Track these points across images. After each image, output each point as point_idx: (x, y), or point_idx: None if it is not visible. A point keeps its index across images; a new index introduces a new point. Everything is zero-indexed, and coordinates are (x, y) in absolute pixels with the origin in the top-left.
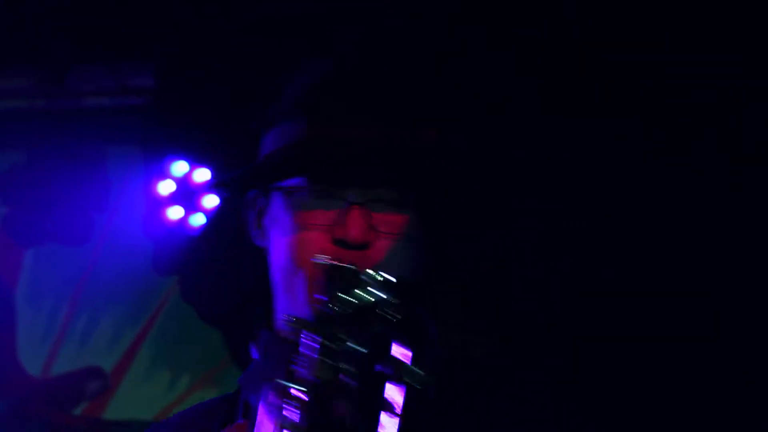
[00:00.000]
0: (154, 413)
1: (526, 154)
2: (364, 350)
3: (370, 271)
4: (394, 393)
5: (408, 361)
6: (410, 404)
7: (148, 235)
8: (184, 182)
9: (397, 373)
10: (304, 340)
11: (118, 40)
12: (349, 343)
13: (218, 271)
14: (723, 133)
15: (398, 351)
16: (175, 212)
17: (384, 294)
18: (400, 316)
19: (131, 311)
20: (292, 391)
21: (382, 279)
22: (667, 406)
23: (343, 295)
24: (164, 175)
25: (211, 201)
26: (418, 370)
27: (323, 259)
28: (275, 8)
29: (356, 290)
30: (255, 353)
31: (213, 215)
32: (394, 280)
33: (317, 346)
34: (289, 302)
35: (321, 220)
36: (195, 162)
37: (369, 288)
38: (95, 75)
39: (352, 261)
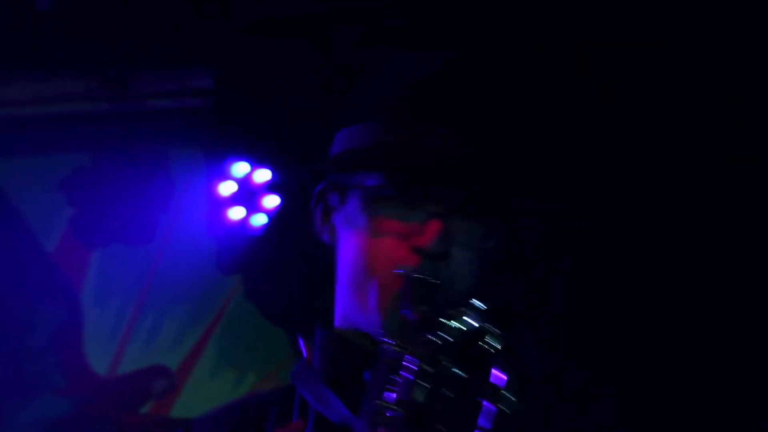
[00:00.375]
0: None
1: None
2: (463, 375)
3: (475, 302)
4: (487, 418)
5: (503, 386)
6: (500, 429)
7: (211, 235)
8: (245, 183)
9: (493, 398)
10: (396, 355)
11: (179, 43)
12: (451, 369)
13: (280, 269)
14: (723, 133)
15: (496, 376)
16: (236, 212)
17: (483, 322)
18: (501, 346)
19: (196, 311)
20: (388, 411)
21: (482, 307)
22: (668, 406)
23: (446, 321)
24: (225, 176)
25: (272, 201)
26: (512, 397)
27: (406, 269)
28: (334, 8)
29: (437, 302)
30: (303, 349)
31: (274, 215)
32: (487, 307)
33: (414, 368)
34: (356, 306)
35: (400, 227)
36: (255, 163)
37: (469, 313)
38: (157, 78)
39: (430, 271)
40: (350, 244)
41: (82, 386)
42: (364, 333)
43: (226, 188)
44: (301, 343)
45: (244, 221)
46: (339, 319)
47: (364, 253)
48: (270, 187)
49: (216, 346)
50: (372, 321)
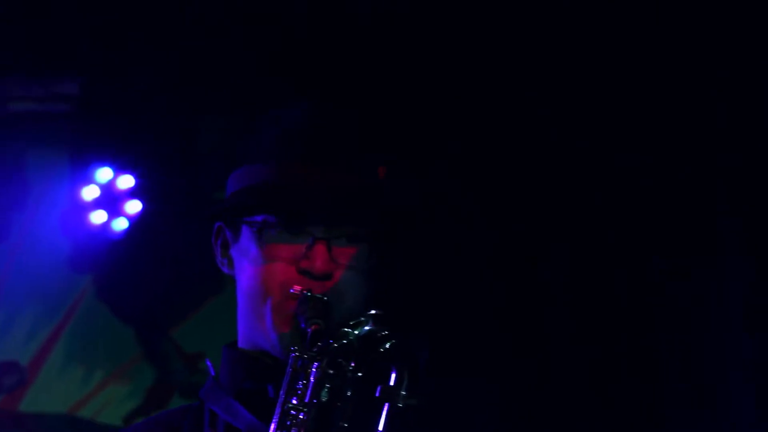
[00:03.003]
0: (67, 406)
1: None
2: (363, 376)
3: (372, 311)
4: (385, 414)
5: (398, 384)
6: (394, 426)
7: (67, 235)
8: (108, 188)
9: (389, 396)
10: (299, 363)
11: (45, 47)
12: (351, 371)
13: (132, 272)
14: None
15: (391, 376)
16: (98, 217)
17: (375, 326)
18: (395, 349)
19: (48, 308)
20: (292, 410)
21: (373, 314)
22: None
23: (345, 329)
24: (88, 180)
25: (133, 207)
26: (406, 394)
27: (296, 290)
28: (202, 17)
29: (329, 318)
30: (211, 369)
31: (135, 220)
32: (377, 312)
33: (315, 371)
34: (256, 327)
35: (288, 253)
36: (119, 169)
37: (366, 320)
38: (22, 81)
39: (316, 289)
40: (246, 272)
41: None
42: (265, 351)
43: (89, 193)
44: (209, 363)
45: (105, 225)
46: (242, 340)
47: (258, 279)
48: (132, 193)
49: (66, 343)
50: (270, 339)
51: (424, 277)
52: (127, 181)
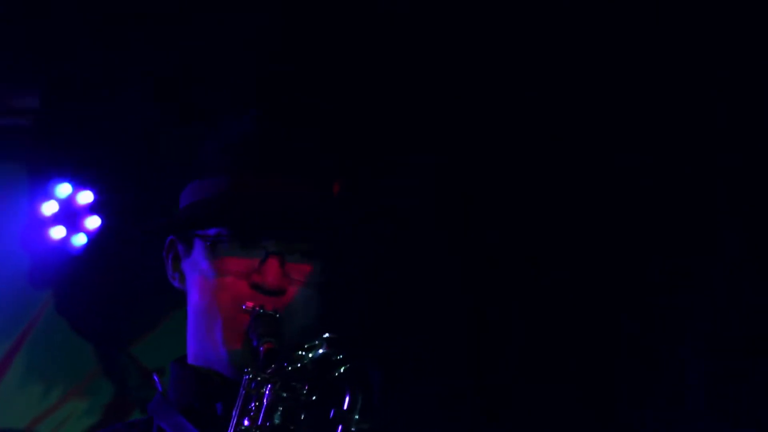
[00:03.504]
0: (26, 422)
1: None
2: (316, 400)
3: (326, 334)
4: None
5: (351, 409)
6: None
7: (26, 250)
8: (67, 203)
9: (343, 420)
10: (252, 385)
11: (3, 61)
12: (304, 394)
13: (92, 287)
14: None
15: (345, 400)
16: (57, 232)
17: (329, 349)
18: (349, 373)
19: (6, 323)
20: None
21: (327, 337)
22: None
23: (299, 352)
24: (48, 196)
25: (93, 222)
26: (359, 419)
27: (248, 306)
28: (161, 30)
29: (281, 335)
30: (158, 384)
31: (94, 235)
32: (332, 336)
33: (269, 394)
34: (206, 343)
35: (240, 267)
36: (78, 184)
37: (320, 344)
38: None
39: (269, 305)
40: (197, 286)
41: None
42: (215, 368)
43: (48, 208)
44: (156, 378)
45: (64, 241)
46: (192, 356)
47: (209, 293)
48: (92, 209)
49: (24, 359)
50: (221, 355)
51: (375, 292)
52: (86, 197)
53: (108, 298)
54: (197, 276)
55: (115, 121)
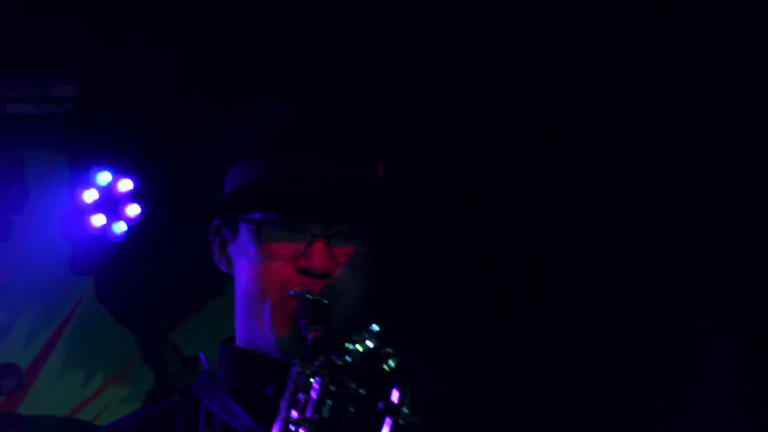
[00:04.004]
0: (67, 409)
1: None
2: (364, 393)
3: (373, 326)
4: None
5: (399, 402)
6: None
7: (66, 238)
8: (107, 191)
9: (391, 414)
10: (301, 378)
11: (43, 49)
12: (353, 387)
13: (132, 275)
14: None
15: (393, 393)
16: (98, 219)
17: (377, 342)
18: (397, 365)
19: (47, 311)
20: (294, 426)
21: (375, 330)
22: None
23: (348, 345)
24: (88, 183)
25: (133, 210)
26: (409, 413)
27: (296, 291)
28: (197, 18)
29: (329, 323)
30: (205, 363)
31: (134, 223)
32: (378, 329)
33: (318, 387)
34: (254, 327)
35: (286, 251)
36: (118, 172)
37: (367, 336)
38: (20, 83)
39: (315, 288)
40: (244, 271)
41: None
42: (263, 351)
43: (89, 196)
44: (202, 357)
45: (105, 228)
46: (239, 339)
47: (256, 277)
48: (132, 197)
49: (66, 345)
50: (269, 340)
51: (419, 276)
52: (126, 185)
53: (148, 285)
54: (244, 260)
55: (154, 108)
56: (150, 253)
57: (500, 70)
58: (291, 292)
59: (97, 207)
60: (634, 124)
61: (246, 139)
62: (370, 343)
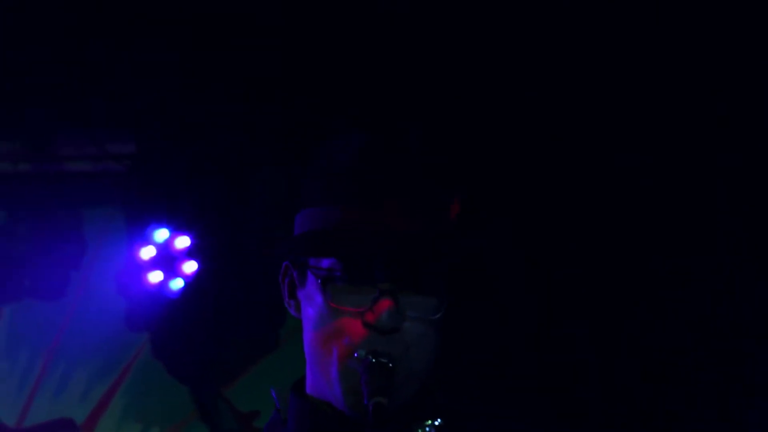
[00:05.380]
0: None
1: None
2: None
3: (436, 421)
4: None
5: None
6: None
7: (123, 294)
8: (165, 248)
9: None
10: None
11: (100, 107)
12: None
13: (187, 330)
14: None
15: None
16: (155, 276)
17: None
18: None
19: (103, 365)
20: None
21: (435, 424)
22: None
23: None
24: (146, 240)
25: (190, 266)
26: None
27: (359, 353)
28: (254, 78)
29: (393, 387)
30: (276, 401)
31: (191, 279)
32: (441, 423)
33: None
34: (321, 379)
35: (353, 305)
36: (175, 229)
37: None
38: (78, 140)
39: (381, 346)
40: (311, 322)
41: None
42: (332, 405)
43: (146, 253)
44: (274, 394)
45: (162, 285)
46: (309, 386)
47: (322, 330)
48: (189, 253)
49: (122, 400)
50: (336, 396)
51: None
52: (183, 242)
53: (203, 341)
54: (311, 310)
55: (211, 165)
56: (206, 309)
57: (500, 70)
58: (356, 355)
59: (154, 264)
60: (634, 124)
61: (309, 183)
62: None
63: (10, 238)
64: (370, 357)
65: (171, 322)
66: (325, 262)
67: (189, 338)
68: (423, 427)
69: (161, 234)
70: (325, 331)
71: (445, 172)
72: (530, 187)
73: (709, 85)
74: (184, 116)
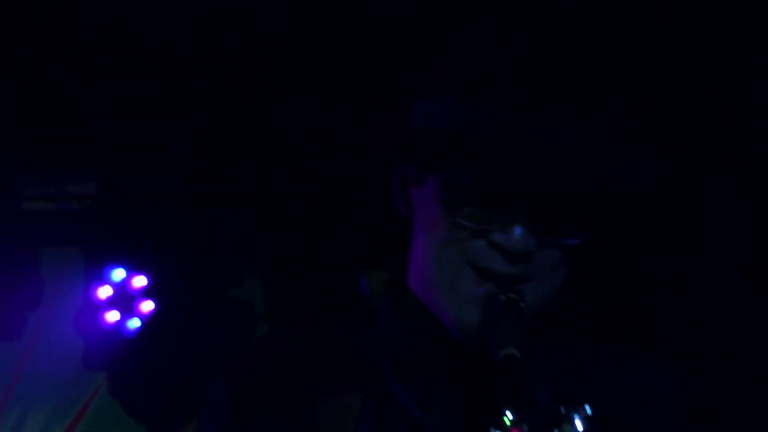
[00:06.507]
0: None
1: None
2: None
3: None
4: None
5: None
6: None
7: (80, 333)
8: (121, 287)
9: None
10: None
11: (59, 148)
12: None
13: (145, 370)
14: None
15: None
16: (111, 316)
17: (587, 425)
18: None
19: (60, 406)
20: None
21: (585, 413)
22: None
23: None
24: (103, 280)
25: (146, 306)
26: None
27: (487, 287)
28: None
29: (523, 333)
30: (365, 289)
31: (148, 319)
32: (591, 413)
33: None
34: (431, 291)
35: (480, 219)
36: (133, 269)
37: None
38: (36, 180)
39: (510, 274)
40: (424, 229)
41: None
42: (439, 318)
43: (103, 292)
44: (364, 282)
45: (119, 324)
46: (414, 285)
47: (440, 243)
48: (146, 293)
49: None
50: (446, 316)
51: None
52: (140, 281)
53: (160, 381)
54: (426, 217)
55: (169, 205)
56: (163, 349)
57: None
58: (482, 290)
59: (111, 303)
60: (634, 124)
61: (460, 73)
62: (580, 425)
63: None
64: (500, 294)
65: (128, 363)
66: (453, 170)
67: (146, 378)
68: (569, 418)
69: (118, 273)
70: (442, 244)
71: (609, 79)
72: None
73: (709, 84)
74: (143, 154)
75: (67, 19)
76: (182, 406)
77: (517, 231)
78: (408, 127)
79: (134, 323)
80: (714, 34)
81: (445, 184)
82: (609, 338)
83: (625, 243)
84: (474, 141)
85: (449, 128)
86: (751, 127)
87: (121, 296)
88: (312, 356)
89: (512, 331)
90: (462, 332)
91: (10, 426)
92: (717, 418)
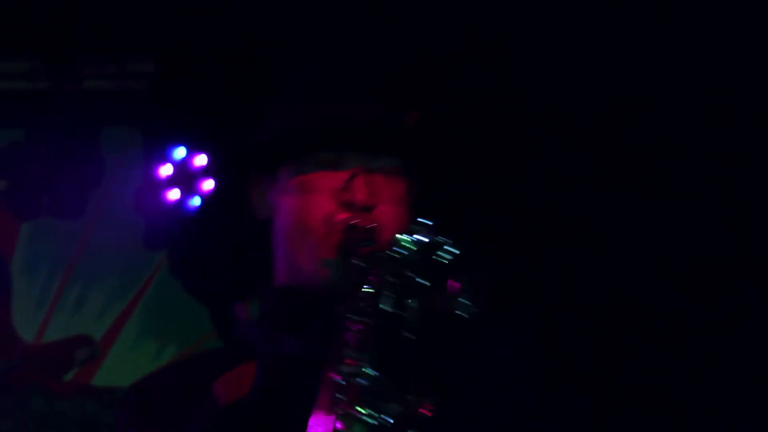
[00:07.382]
0: None
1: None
2: (425, 284)
3: (423, 220)
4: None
5: (459, 292)
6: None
7: (141, 212)
8: (182, 166)
9: (452, 305)
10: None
11: (120, 26)
12: (413, 279)
13: (205, 248)
14: None
15: (451, 284)
16: (173, 194)
17: (430, 235)
18: (452, 253)
19: (121, 283)
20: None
21: (425, 222)
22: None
23: (401, 236)
24: (164, 159)
25: (207, 185)
26: (468, 302)
27: (340, 219)
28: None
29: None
30: (240, 311)
31: (207, 197)
32: (431, 222)
33: (377, 279)
34: (296, 262)
35: (328, 185)
36: (193, 147)
37: (419, 230)
38: (97, 59)
39: (361, 222)
40: (285, 207)
41: (9, 352)
42: (307, 284)
43: (164, 171)
44: (239, 307)
45: (180, 202)
46: (280, 278)
47: (299, 213)
48: (206, 171)
49: (139, 317)
50: (314, 269)
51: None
52: (201, 160)
53: (221, 259)
54: (286, 198)
55: (229, 84)
56: (223, 227)
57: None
58: (336, 222)
59: (172, 182)
60: (633, 124)
61: (285, 93)
62: (423, 237)
63: (29, 156)
64: (350, 221)
65: (189, 241)
66: (301, 145)
67: (207, 256)
68: (413, 232)
69: (179, 152)
70: (302, 213)
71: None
72: (529, 183)
73: (709, 85)
74: (202, 34)
75: None
76: (243, 285)
77: (358, 188)
78: (272, 128)
79: (195, 201)
80: (714, 34)
81: (298, 160)
82: (609, 338)
83: (624, 243)
84: (314, 125)
85: (297, 121)
86: (751, 127)
87: (182, 174)
88: (197, 364)
89: (368, 236)
90: (327, 266)
91: (72, 303)
92: (717, 417)
